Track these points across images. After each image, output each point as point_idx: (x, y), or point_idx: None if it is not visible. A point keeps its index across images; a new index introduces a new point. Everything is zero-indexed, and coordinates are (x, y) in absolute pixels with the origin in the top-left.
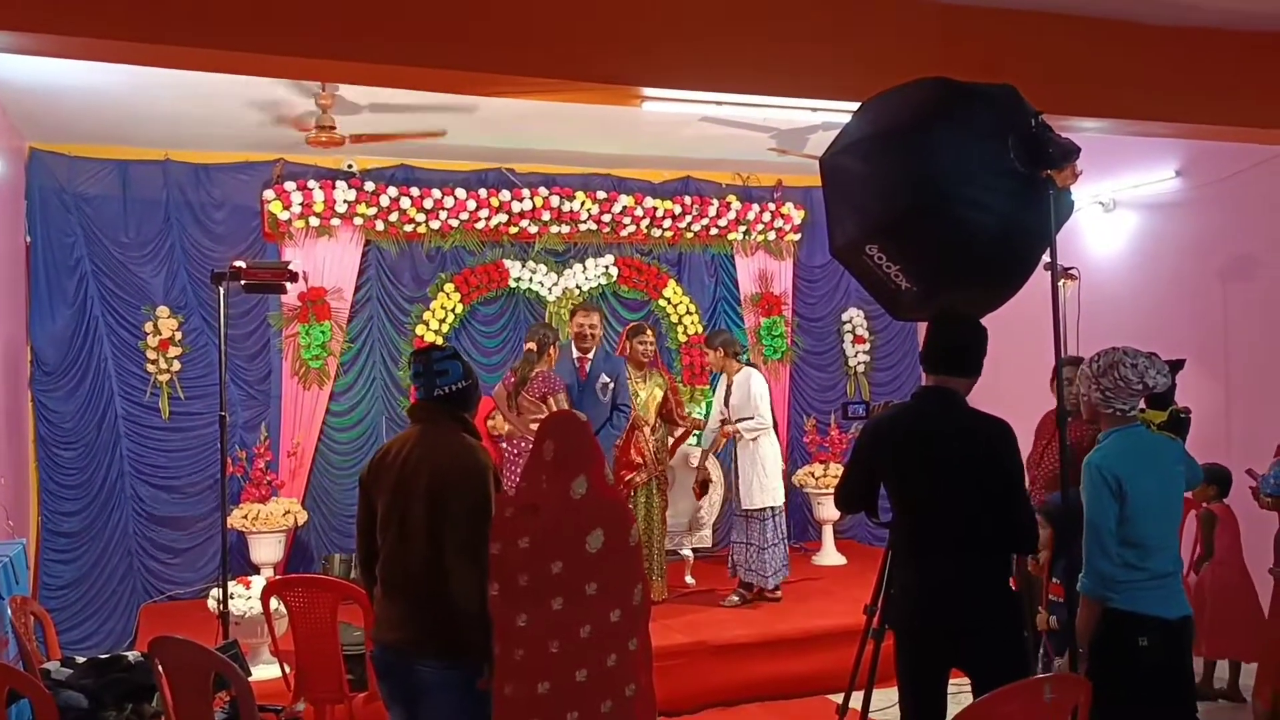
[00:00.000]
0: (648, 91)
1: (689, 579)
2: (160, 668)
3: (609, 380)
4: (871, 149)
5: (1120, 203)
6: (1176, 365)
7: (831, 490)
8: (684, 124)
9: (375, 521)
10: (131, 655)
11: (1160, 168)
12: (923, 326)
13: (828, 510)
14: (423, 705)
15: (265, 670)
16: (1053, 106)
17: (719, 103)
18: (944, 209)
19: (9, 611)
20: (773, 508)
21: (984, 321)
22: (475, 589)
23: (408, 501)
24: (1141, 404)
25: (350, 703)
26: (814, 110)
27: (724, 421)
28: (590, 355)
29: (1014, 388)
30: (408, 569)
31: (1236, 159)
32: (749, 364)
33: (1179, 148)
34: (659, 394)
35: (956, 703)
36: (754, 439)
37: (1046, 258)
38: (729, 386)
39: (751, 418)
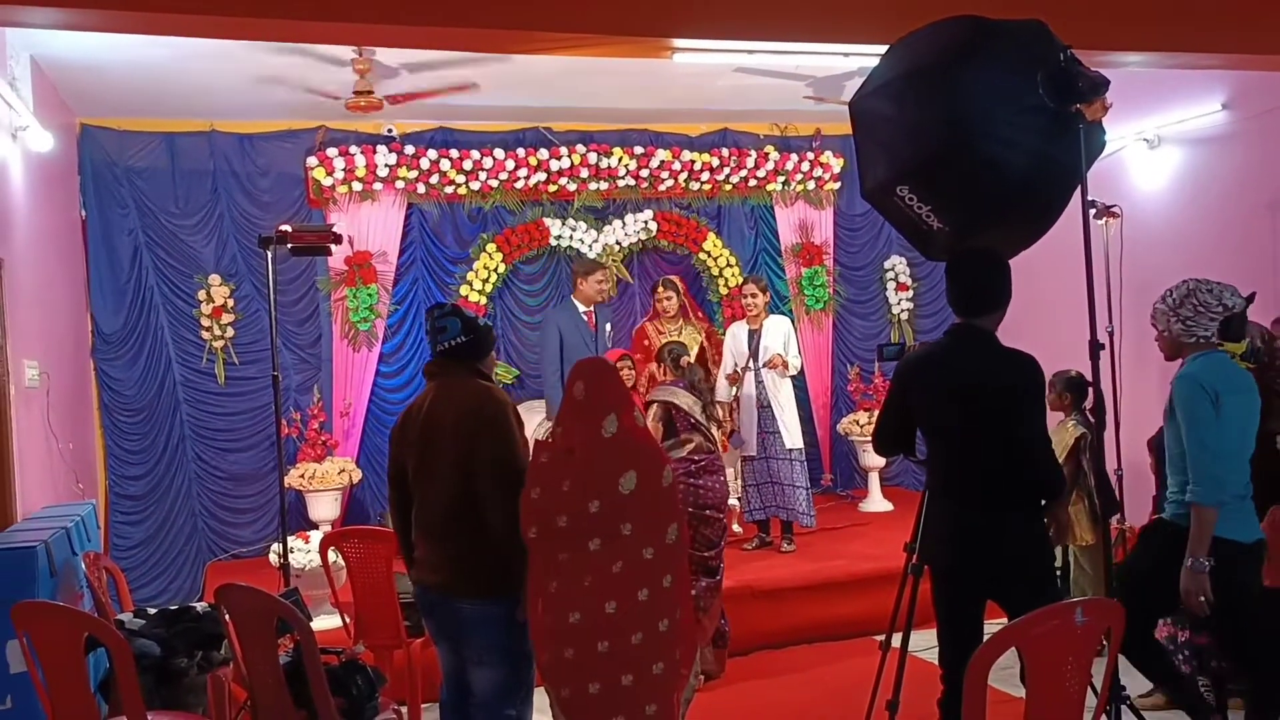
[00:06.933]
0: (677, 43)
1: (735, 527)
2: (226, 615)
3: (610, 328)
4: (900, 90)
5: (1165, 138)
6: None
7: None
8: (718, 75)
9: (402, 472)
10: (200, 606)
11: (1206, 101)
12: None
13: (873, 457)
14: (467, 640)
15: (326, 621)
16: (1094, 42)
17: (750, 51)
18: (974, 148)
19: (83, 566)
20: (801, 449)
21: (1019, 259)
22: (513, 518)
23: (435, 451)
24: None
25: (408, 648)
26: (846, 55)
27: (764, 366)
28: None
29: (1050, 325)
30: (441, 514)
31: None
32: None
33: (1225, 79)
34: (696, 343)
35: None
36: (787, 377)
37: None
38: (756, 332)
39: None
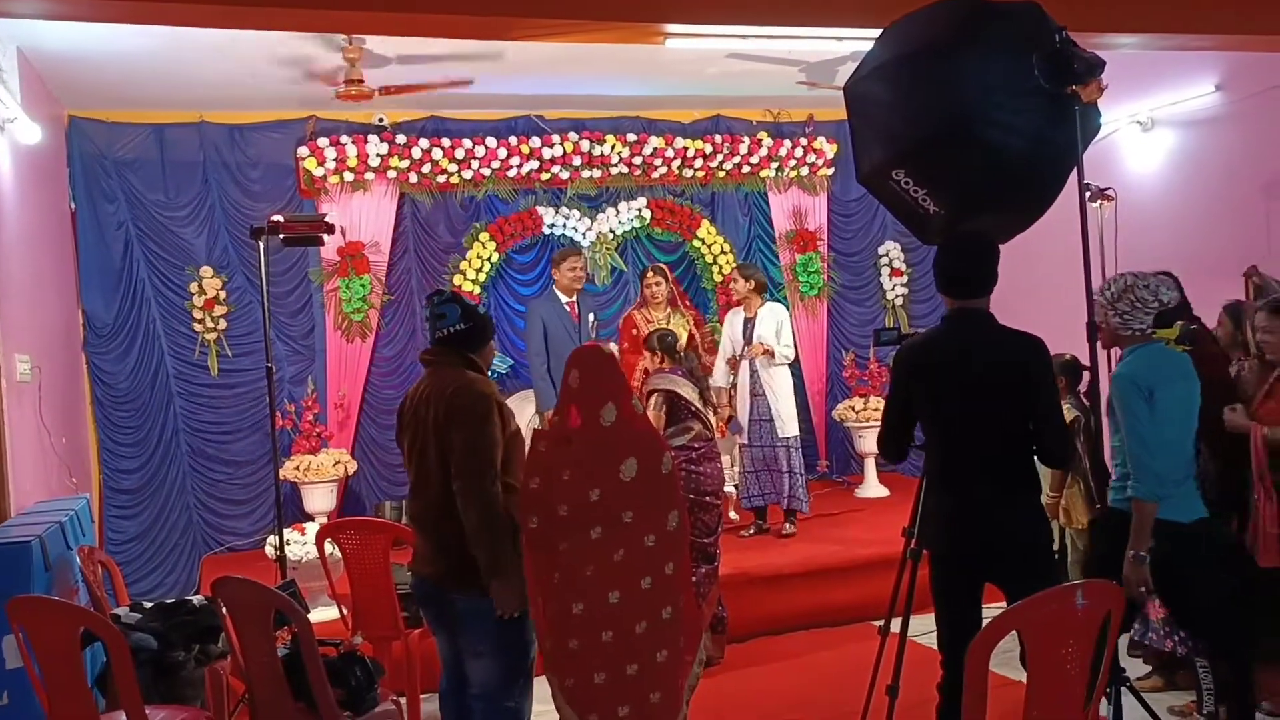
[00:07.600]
0: (669, 28)
1: (732, 514)
2: (223, 608)
3: (594, 318)
4: (896, 73)
5: (1158, 121)
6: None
7: (871, 423)
8: (711, 61)
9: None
10: (197, 599)
11: (1199, 82)
12: None
13: (869, 444)
14: (462, 633)
15: (324, 613)
16: (1089, 23)
17: (742, 36)
18: (970, 131)
19: (78, 560)
20: (797, 436)
21: (1014, 243)
22: (482, 511)
23: (423, 441)
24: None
25: (407, 638)
26: (839, 40)
27: (753, 355)
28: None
29: (1046, 308)
30: (428, 506)
31: (1278, 69)
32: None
33: (1218, 60)
34: (684, 332)
35: None
36: (781, 365)
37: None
38: (751, 319)
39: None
